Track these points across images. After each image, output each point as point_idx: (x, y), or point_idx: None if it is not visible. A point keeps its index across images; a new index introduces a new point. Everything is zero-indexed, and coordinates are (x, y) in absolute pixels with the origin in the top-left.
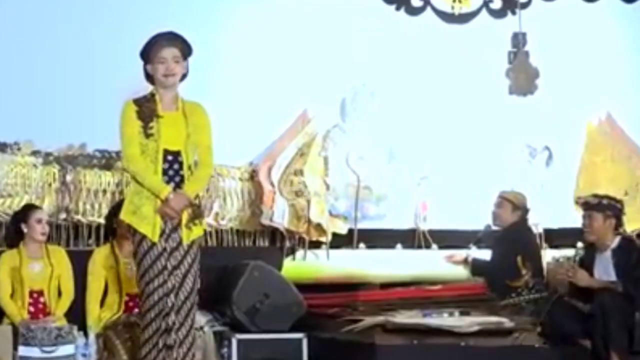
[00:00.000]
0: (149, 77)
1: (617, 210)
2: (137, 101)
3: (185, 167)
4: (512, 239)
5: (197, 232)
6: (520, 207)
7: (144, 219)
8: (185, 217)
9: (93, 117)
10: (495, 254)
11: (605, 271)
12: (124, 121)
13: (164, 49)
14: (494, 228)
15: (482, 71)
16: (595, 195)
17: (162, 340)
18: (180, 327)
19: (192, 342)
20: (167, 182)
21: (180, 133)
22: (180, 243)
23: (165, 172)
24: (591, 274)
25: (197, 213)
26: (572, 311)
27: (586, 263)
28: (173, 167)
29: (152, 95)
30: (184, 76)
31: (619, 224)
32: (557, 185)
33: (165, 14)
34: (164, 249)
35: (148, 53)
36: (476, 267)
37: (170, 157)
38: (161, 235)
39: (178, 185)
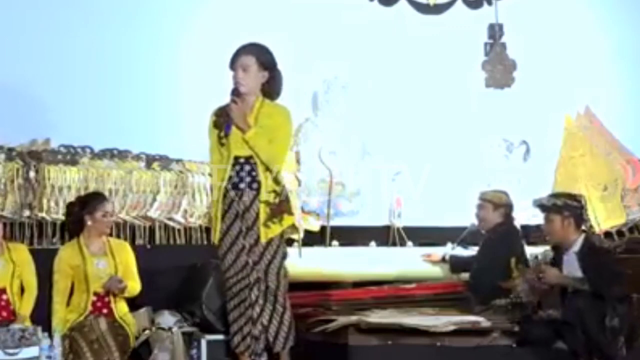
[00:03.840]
0: None
1: (575, 209)
2: (218, 110)
3: (260, 170)
4: (502, 239)
5: (274, 229)
6: (502, 205)
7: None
8: (263, 216)
9: (57, 111)
10: (485, 254)
11: (571, 270)
12: (208, 131)
13: (238, 59)
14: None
15: (458, 63)
16: (552, 195)
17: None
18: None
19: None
20: (231, 189)
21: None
22: (258, 240)
23: (230, 179)
24: (559, 268)
25: (276, 212)
26: (541, 320)
27: (555, 263)
28: (245, 168)
29: (234, 102)
30: (271, 87)
31: (580, 222)
32: (535, 181)
33: (143, 7)
34: (244, 247)
35: (231, 63)
36: (458, 264)
37: (242, 160)
38: (240, 234)
39: (249, 186)
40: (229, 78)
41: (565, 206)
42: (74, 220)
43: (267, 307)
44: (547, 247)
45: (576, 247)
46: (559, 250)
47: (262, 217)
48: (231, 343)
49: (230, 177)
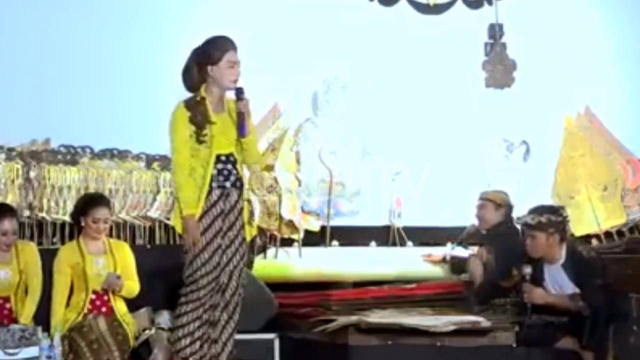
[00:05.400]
0: (198, 80)
1: (558, 223)
2: (188, 106)
3: (238, 165)
4: (502, 238)
5: (255, 228)
6: (503, 205)
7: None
8: (246, 214)
9: (57, 111)
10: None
11: (556, 283)
12: (175, 127)
13: (231, 53)
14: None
15: (458, 63)
16: (535, 212)
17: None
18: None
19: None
20: (216, 187)
21: (231, 135)
22: (233, 240)
23: (215, 178)
24: (541, 286)
25: (251, 211)
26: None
27: (536, 276)
28: (227, 167)
29: (203, 98)
30: None
31: (564, 235)
32: (535, 181)
33: (143, 7)
34: (219, 246)
35: (215, 55)
36: (458, 265)
37: (223, 158)
38: (218, 233)
39: (233, 184)
40: None
41: (550, 223)
42: (72, 219)
43: (223, 316)
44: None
45: (561, 259)
46: (539, 263)
47: (246, 215)
48: (174, 347)
49: (212, 176)
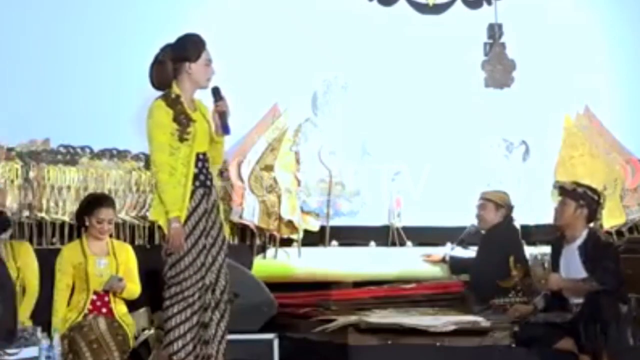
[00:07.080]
0: (170, 77)
1: (592, 201)
2: (168, 103)
3: (210, 166)
4: (501, 238)
5: (228, 229)
6: (503, 206)
7: None
8: (222, 212)
9: (57, 111)
10: (484, 254)
11: (570, 264)
12: (158, 125)
13: (207, 51)
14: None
15: (458, 63)
16: (575, 182)
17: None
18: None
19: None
20: (199, 186)
21: (206, 134)
22: (216, 239)
23: (197, 177)
24: (557, 265)
25: None
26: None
27: (553, 256)
28: (205, 165)
29: (178, 96)
30: None
31: (591, 216)
32: (534, 181)
33: (143, 7)
34: (204, 246)
35: (195, 53)
36: (458, 265)
37: (201, 157)
38: (202, 233)
39: (211, 183)
40: (227, 77)
41: (585, 195)
42: (76, 219)
43: (215, 315)
44: (544, 250)
45: (580, 240)
46: (559, 242)
47: (222, 213)
48: (166, 350)
49: (195, 175)
